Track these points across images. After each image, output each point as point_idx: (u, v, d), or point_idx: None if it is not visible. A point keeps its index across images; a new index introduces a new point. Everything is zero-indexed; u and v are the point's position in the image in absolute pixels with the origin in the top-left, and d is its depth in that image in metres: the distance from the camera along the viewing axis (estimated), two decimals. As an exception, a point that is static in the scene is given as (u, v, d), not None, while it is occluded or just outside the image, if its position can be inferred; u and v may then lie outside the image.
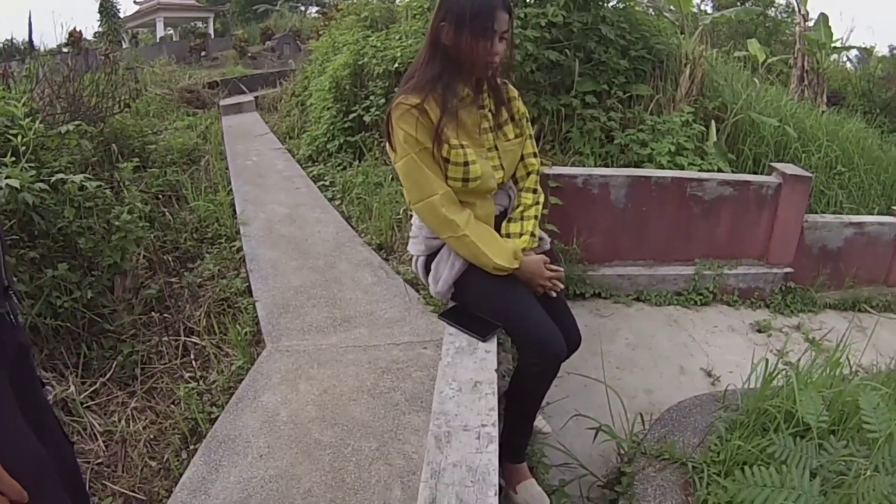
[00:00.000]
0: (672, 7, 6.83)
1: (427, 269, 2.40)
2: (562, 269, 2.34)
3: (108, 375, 3.09)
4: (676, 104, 5.19)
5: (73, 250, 3.49)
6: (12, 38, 32.22)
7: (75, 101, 5.82)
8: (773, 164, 4.48)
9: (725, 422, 2.42)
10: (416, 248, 2.42)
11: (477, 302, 2.29)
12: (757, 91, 5.93)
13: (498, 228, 2.33)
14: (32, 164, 3.43)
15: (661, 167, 4.48)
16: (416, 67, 2.19)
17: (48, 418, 1.34)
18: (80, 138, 4.56)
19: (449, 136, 2.09)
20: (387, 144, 2.21)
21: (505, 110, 2.30)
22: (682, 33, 6.22)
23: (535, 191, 2.41)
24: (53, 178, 3.45)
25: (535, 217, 2.37)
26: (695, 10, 7.06)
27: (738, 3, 20.57)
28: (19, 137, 3.55)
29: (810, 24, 10.05)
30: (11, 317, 1.23)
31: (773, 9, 19.70)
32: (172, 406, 2.93)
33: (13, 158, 3.26)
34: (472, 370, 2.07)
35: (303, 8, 41.42)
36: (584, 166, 4.59)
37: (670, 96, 5.27)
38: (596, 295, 4.03)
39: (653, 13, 6.97)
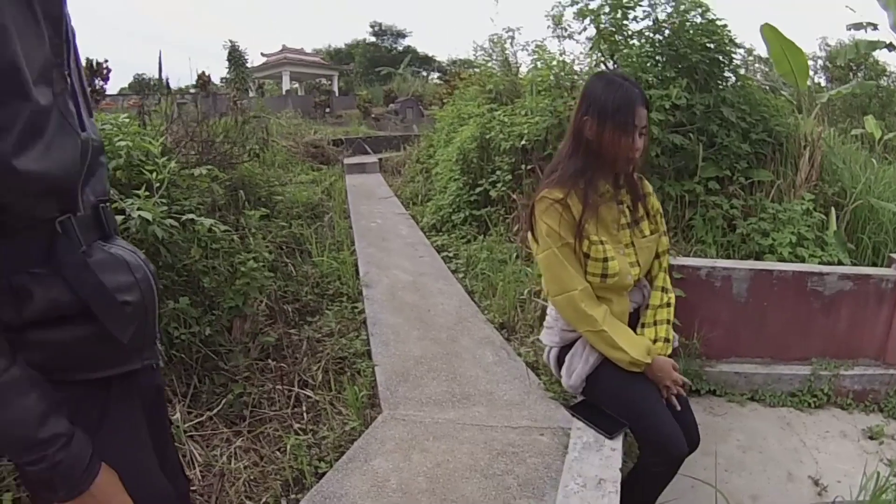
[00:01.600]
0: (786, 82, 6.91)
1: (559, 361, 2.57)
2: (687, 385, 2.45)
3: (215, 410, 3.33)
4: (797, 190, 5.24)
5: (196, 287, 3.82)
6: (143, 74, 35.45)
7: (207, 146, 6.47)
8: (894, 255, 4.42)
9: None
10: (550, 338, 2.61)
11: (606, 397, 2.46)
12: (875, 173, 5.83)
13: (632, 326, 2.49)
14: (164, 200, 3.78)
15: (783, 259, 4.54)
16: (560, 159, 2.42)
17: (171, 453, 1.58)
18: (212, 182, 5.06)
19: (589, 231, 2.29)
20: (528, 234, 2.44)
21: (641, 206, 2.48)
22: (799, 112, 6.28)
23: (665, 290, 2.56)
24: (184, 217, 3.88)
25: (668, 321, 2.52)
26: (809, 83, 7.08)
27: (851, 74, 20.12)
28: (154, 174, 3.93)
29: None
30: (155, 363, 1.42)
31: (885, 77, 19.01)
32: (278, 453, 3.12)
33: (147, 193, 3.58)
34: (597, 467, 2.21)
35: (424, 73, 43.63)
36: (706, 256, 4.73)
37: (790, 181, 5.32)
38: (711, 392, 4.02)
39: (768, 89, 7.06)
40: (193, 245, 3.85)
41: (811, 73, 7.29)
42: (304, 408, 3.59)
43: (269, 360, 3.96)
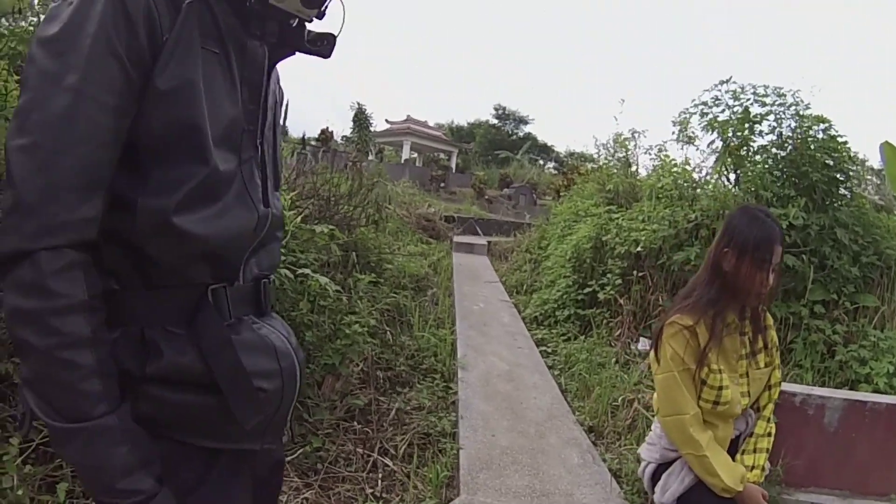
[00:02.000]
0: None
1: (654, 478, 2.64)
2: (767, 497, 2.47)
3: (290, 458, 3.45)
4: None
5: (297, 338, 4.06)
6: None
7: (329, 204, 6.81)
8: None
9: None
10: (650, 454, 2.68)
11: None
12: None
13: (731, 451, 2.54)
14: (283, 252, 4.02)
15: (878, 390, 4.44)
16: (695, 286, 2.54)
17: None
18: (330, 241, 5.34)
19: (711, 360, 2.38)
20: (651, 353, 2.55)
21: (761, 338, 2.56)
22: None
23: (769, 420, 2.64)
24: (298, 272, 4.10)
25: (767, 450, 2.59)
26: None
27: None
28: None
29: None
30: (277, 445, 1.41)
31: None
32: None
33: None
34: None
35: (541, 161, 44.20)
36: (802, 381, 4.70)
37: (895, 308, 5.21)
38: None
39: (881, 207, 6.89)
40: (303, 298, 4.07)
41: None
42: (380, 475, 3.67)
43: (354, 423, 4.07)
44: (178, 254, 1.13)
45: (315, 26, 1.32)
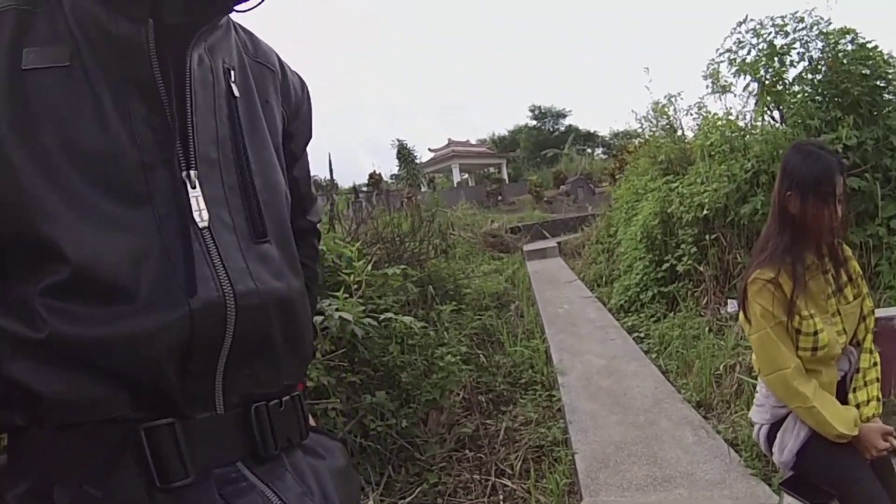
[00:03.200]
0: None
1: (770, 438, 2.61)
2: (893, 433, 2.43)
3: (408, 499, 3.52)
4: None
5: (392, 381, 4.10)
6: (314, 176, 38.29)
7: (395, 245, 6.95)
8: None
9: None
10: (761, 416, 2.66)
11: (815, 470, 2.48)
12: None
13: (839, 393, 2.50)
14: (360, 300, 4.10)
15: None
16: (767, 238, 2.51)
17: None
18: (405, 280, 5.44)
19: (800, 307, 2.35)
20: (741, 315, 2.54)
21: (844, 272, 2.52)
22: None
23: (871, 351, 2.59)
24: (382, 317, 4.20)
25: (877, 380, 2.55)
26: None
27: None
28: (351, 276, 4.26)
29: None
30: None
31: None
32: None
33: (345, 295, 3.89)
34: None
35: (589, 150, 43.84)
36: None
37: None
38: None
39: None
40: (391, 342, 4.17)
41: None
42: (500, 496, 3.71)
43: (466, 451, 4.13)
44: (59, 383, 0.77)
45: None
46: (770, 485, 3.30)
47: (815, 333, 2.35)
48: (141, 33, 0.81)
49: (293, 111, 1.11)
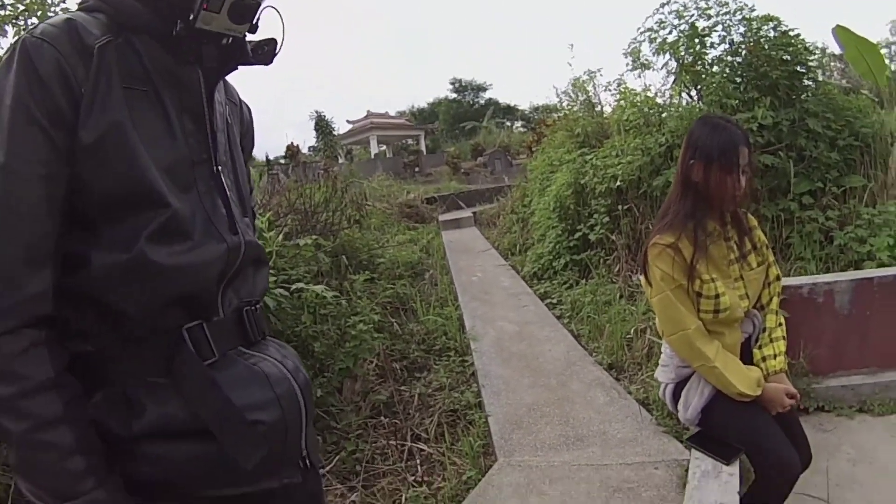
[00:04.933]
0: (866, 81, 6.86)
1: (675, 397, 2.70)
2: (798, 396, 2.55)
3: (328, 468, 3.50)
4: (889, 189, 5.19)
5: (306, 351, 4.03)
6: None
7: (307, 216, 6.83)
8: None
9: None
10: (665, 376, 2.74)
11: (721, 426, 2.58)
12: None
13: (744, 354, 2.59)
14: (272, 271, 4.04)
15: (882, 264, 4.50)
16: (669, 205, 2.57)
17: None
18: (317, 251, 5.35)
19: (701, 271, 2.42)
20: (642, 279, 2.60)
21: (748, 240, 2.61)
22: (882, 108, 6.22)
23: (777, 313, 2.70)
24: (293, 287, 4.11)
25: (783, 337, 2.66)
26: (888, 73, 6.89)
27: None
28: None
29: None
30: (303, 471, 1.29)
31: None
32: None
33: None
34: (716, 493, 2.36)
35: (508, 123, 44.19)
36: (805, 272, 4.75)
37: (882, 182, 5.27)
38: (819, 409, 3.95)
39: (848, 90, 6.94)
40: (303, 312, 4.09)
41: (887, 61, 7.15)
42: (418, 461, 3.70)
43: (382, 418, 4.11)
44: (147, 299, 1.08)
45: (256, 35, 1.26)
46: (682, 442, 3.38)
47: (717, 297, 2.41)
48: (196, 75, 1.18)
49: (244, 131, 1.48)
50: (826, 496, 2.98)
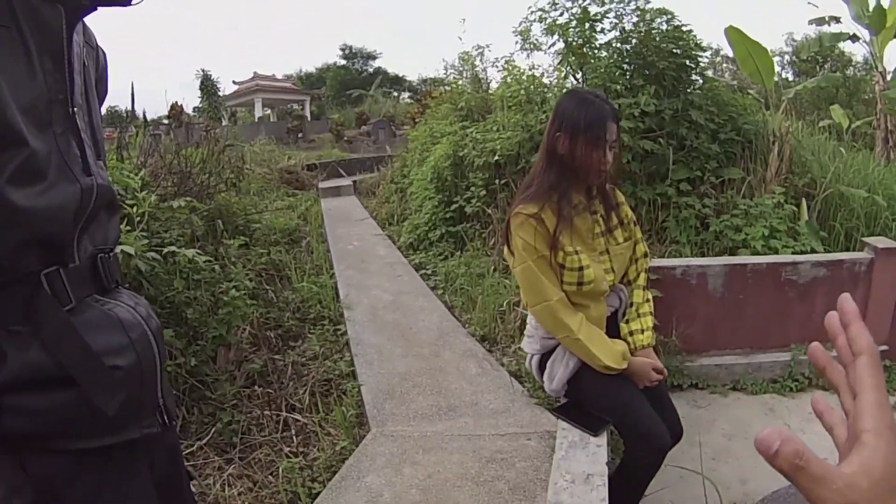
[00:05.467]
0: (755, 83, 7.21)
1: (541, 368, 2.71)
2: (665, 372, 2.63)
3: (205, 440, 3.42)
4: (767, 185, 5.46)
5: (179, 318, 3.89)
6: (115, 107, 35.61)
7: (184, 177, 6.58)
8: (865, 240, 4.58)
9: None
10: (531, 346, 2.75)
11: (588, 398, 2.62)
12: (844, 161, 6.10)
13: (610, 328, 2.63)
14: (144, 234, 3.85)
15: (756, 252, 4.74)
16: (534, 176, 2.56)
17: None
18: (191, 213, 5.17)
19: (564, 243, 2.42)
20: (505, 248, 2.58)
21: (615, 215, 2.63)
22: (767, 109, 6.57)
23: (645, 288, 2.75)
24: (165, 250, 3.96)
25: (650, 313, 2.71)
26: (776, 78, 7.34)
27: (818, 67, 20.65)
28: (135, 208, 4.00)
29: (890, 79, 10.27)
30: (161, 424, 1.29)
31: (851, 67, 19.84)
32: (271, 477, 3.19)
33: (127, 227, 3.68)
34: (584, 463, 2.37)
35: (395, 94, 43.94)
36: (680, 256, 4.95)
37: (761, 177, 5.56)
38: (693, 386, 4.17)
39: (736, 89, 7.32)
40: (175, 277, 3.95)
41: (778, 68, 7.59)
42: (293, 431, 3.66)
43: (256, 387, 4.02)
44: (3, 242, 1.01)
45: None
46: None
47: (580, 269, 2.42)
48: (56, 14, 1.11)
49: (99, 76, 1.40)
50: (700, 468, 3.08)
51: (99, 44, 1.43)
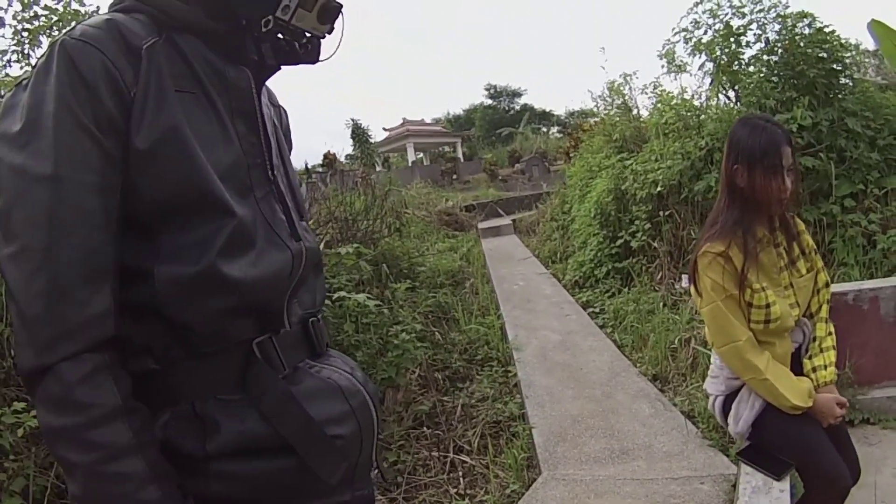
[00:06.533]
0: None
1: (725, 409, 2.61)
2: (846, 405, 2.47)
3: (369, 478, 3.54)
4: None
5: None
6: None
7: (348, 224, 6.87)
8: None
9: None
10: (715, 387, 2.66)
11: (772, 440, 2.50)
12: None
13: (794, 364, 2.51)
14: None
15: None
16: (718, 212, 2.50)
17: None
18: (358, 259, 5.37)
19: (751, 280, 2.35)
20: (692, 288, 2.53)
21: (796, 245, 2.52)
22: None
23: (827, 321, 2.61)
24: (335, 296, 4.12)
25: (833, 347, 2.57)
26: None
27: None
28: None
29: None
30: (369, 490, 1.30)
31: None
32: None
33: None
34: None
35: (544, 129, 43.98)
36: (849, 279, 4.65)
37: None
38: (864, 421, 3.85)
39: (885, 87, 6.75)
40: (346, 321, 4.10)
41: None
42: (460, 473, 3.69)
43: (424, 428, 4.10)
44: (215, 312, 1.02)
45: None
46: (728, 455, 3.33)
47: (768, 306, 2.34)
48: (245, 75, 1.14)
49: (284, 134, 1.40)
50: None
51: (279, 102, 1.44)
